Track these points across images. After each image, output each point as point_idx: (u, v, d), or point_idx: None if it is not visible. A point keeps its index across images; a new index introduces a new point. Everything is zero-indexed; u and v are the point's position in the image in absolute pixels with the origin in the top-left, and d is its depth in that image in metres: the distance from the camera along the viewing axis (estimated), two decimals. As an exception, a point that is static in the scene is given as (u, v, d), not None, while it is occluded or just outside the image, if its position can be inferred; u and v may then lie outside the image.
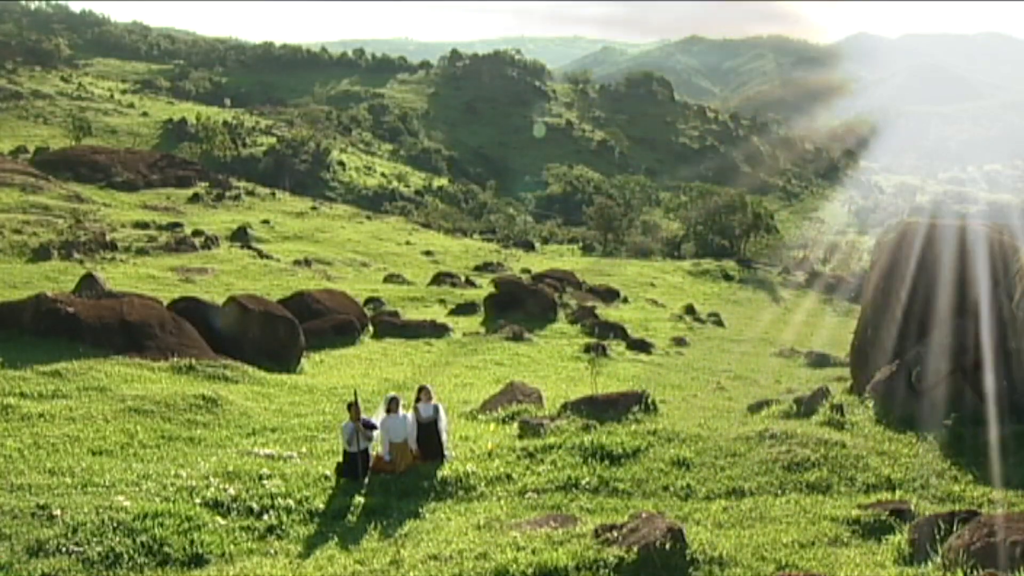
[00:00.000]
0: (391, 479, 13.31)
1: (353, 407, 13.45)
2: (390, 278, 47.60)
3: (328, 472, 13.30)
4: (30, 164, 68.13)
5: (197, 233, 51.64)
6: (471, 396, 20.42)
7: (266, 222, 62.19)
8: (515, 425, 15.72)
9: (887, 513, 11.02)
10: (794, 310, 53.20)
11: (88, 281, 28.78)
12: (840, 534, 10.68)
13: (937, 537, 9.67)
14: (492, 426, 16.30)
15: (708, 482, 12.73)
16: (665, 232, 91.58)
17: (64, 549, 10.31)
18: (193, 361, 20.45)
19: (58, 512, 10.99)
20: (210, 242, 49.41)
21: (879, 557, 10.02)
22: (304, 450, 14.67)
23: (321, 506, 12.39)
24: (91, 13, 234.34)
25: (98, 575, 10.07)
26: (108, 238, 46.02)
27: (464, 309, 37.94)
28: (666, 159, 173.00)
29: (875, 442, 13.95)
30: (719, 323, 43.15)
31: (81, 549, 10.34)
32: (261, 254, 49.02)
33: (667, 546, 9.62)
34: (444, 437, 14.12)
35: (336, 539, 11.40)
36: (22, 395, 16.45)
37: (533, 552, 9.90)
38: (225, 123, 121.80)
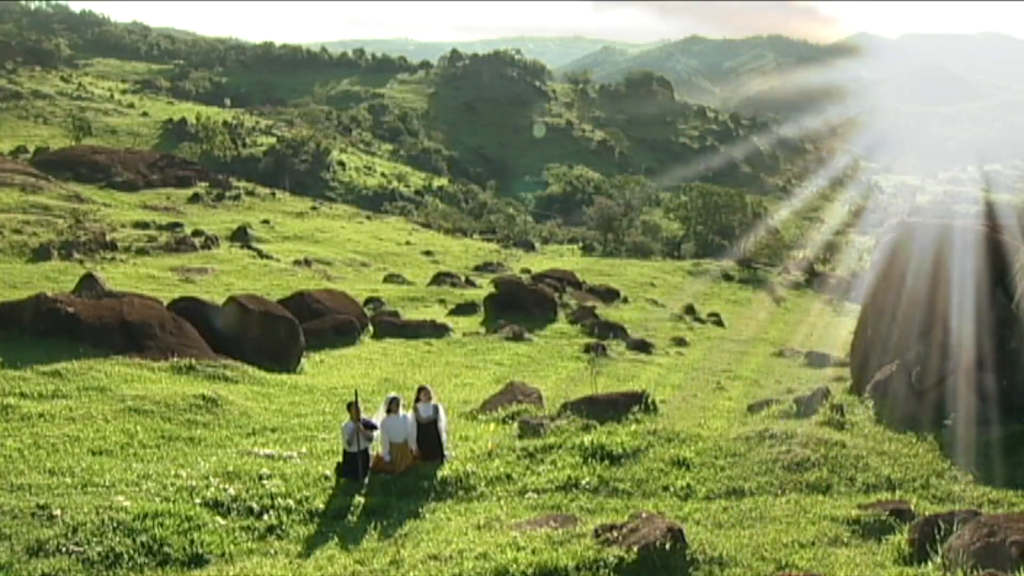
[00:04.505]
0: (391, 479, 13.31)
1: (353, 407, 13.44)
2: (390, 278, 47.59)
3: (328, 472, 13.30)
4: (30, 164, 68.13)
5: (197, 233, 51.63)
6: (471, 396, 20.41)
7: (266, 222, 62.19)
8: (515, 425, 15.71)
9: (887, 513, 11.00)
10: (794, 310, 53.24)
11: (88, 281, 28.77)
12: (840, 534, 10.67)
13: (937, 537, 9.66)
14: (492, 426, 16.29)
15: (708, 482, 12.72)
16: (665, 232, 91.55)
17: (64, 549, 10.30)
18: (193, 361, 20.45)
19: (58, 512, 10.99)
20: (210, 242, 49.41)
21: (879, 557, 10.01)
22: (304, 450, 14.67)
23: (321, 506, 12.38)
24: (91, 13, 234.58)
25: (98, 575, 10.06)
26: (108, 238, 46.02)
27: (464, 309, 37.94)
28: (666, 159, 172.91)
29: (875, 442, 13.94)
30: (719, 323, 43.15)
31: (81, 549, 10.33)
32: (261, 254, 49.00)
33: (667, 546, 9.62)
34: (444, 437, 14.11)
35: (336, 539, 11.40)
36: (22, 395, 16.45)
37: (533, 552, 9.89)
38: (225, 123, 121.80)
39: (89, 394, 17.00)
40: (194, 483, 12.38)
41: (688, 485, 12.66)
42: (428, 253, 60.87)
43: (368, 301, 37.03)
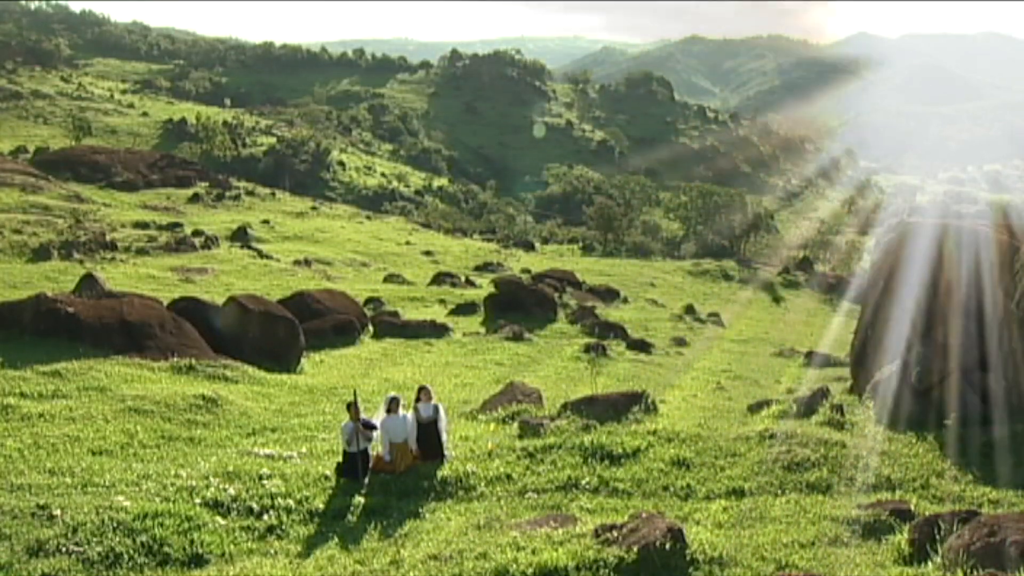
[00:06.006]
0: (391, 479, 13.31)
1: (352, 407, 13.44)
2: (390, 278, 47.57)
3: (328, 472, 13.30)
4: (30, 164, 68.09)
5: (197, 233, 51.61)
6: (471, 396, 20.41)
7: (266, 222, 62.15)
8: (515, 425, 15.72)
9: (887, 513, 11.01)
10: (794, 310, 53.18)
11: (88, 281, 28.75)
12: (840, 534, 10.67)
13: (937, 537, 9.66)
14: (492, 426, 16.29)
15: (708, 482, 12.72)
16: (665, 232, 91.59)
17: (64, 549, 10.30)
18: (193, 361, 20.44)
19: (58, 512, 10.98)
20: (210, 242, 49.38)
21: (879, 557, 10.01)
22: (304, 450, 14.67)
23: (321, 506, 12.38)
24: (91, 13, 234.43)
25: (98, 575, 10.06)
26: (108, 238, 45.99)
27: (464, 309, 37.91)
28: (666, 159, 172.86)
29: (875, 442, 13.94)
30: (719, 323, 43.13)
31: (81, 549, 10.33)
32: (261, 254, 48.98)
33: (667, 546, 9.62)
34: (444, 437, 14.11)
35: (336, 539, 11.40)
36: (22, 395, 16.45)
37: (533, 552, 9.89)
38: (225, 123, 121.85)
39: (89, 394, 17.00)
40: (194, 483, 12.37)
41: (688, 485, 12.66)
42: (428, 253, 60.85)
43: (368, 301, 37.00)
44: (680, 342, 35.42)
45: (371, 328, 31.07)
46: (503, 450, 14.18)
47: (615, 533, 10.07)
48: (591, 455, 13.63)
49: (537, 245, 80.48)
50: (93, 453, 13.84)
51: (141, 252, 45.20)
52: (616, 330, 34.27)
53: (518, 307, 36.32)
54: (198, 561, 10.59)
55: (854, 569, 9.63)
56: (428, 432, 13.88)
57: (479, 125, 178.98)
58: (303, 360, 24.50)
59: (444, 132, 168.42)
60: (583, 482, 12.84)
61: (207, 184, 74.89)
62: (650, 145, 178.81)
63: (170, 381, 18.75)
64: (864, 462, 13.05)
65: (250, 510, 11.89)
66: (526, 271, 53.14)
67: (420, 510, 12.27)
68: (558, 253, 75.93)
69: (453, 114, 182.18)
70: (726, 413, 17.73)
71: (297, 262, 48.84)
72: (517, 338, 31.01)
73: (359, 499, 12.65)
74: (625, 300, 47.16)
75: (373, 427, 13.49)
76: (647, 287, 53.86)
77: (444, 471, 13.40)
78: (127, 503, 11.42)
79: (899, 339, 16.21)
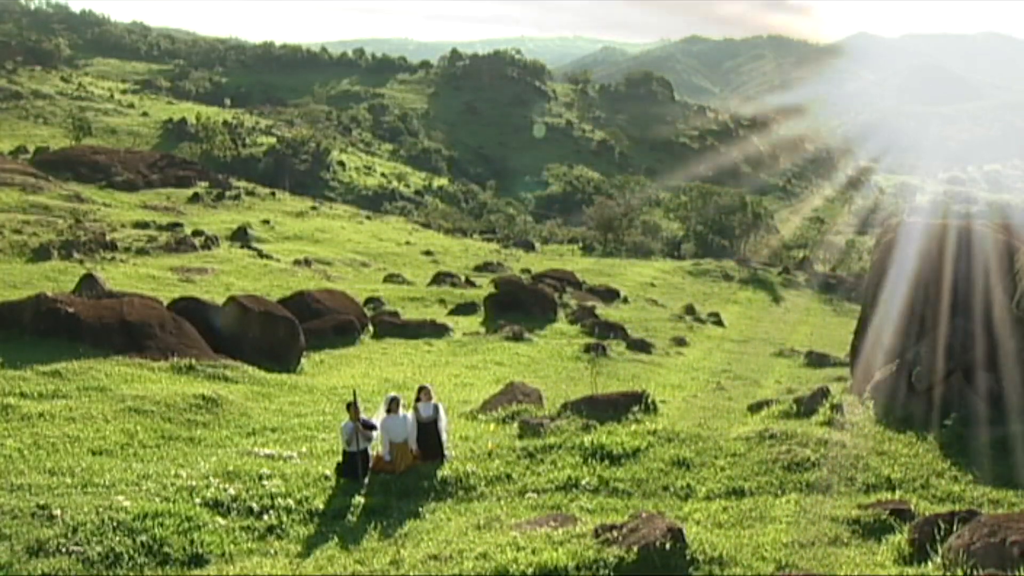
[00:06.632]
0: (391, 479, 13.31)
1: (352, 407, 13.45)
2: (390, 278, 47.57)
3: (328, 472, 13.30)
4: (30, 164, 68.07)
5: (197, 233, 51.60)
6: (471, 396, 20.41)
7: (266, 222, 62.16)
8: (515, 425, 15.72)
9: (887, 513, 11.01)
10: (794, 310, 53.21)
11: (88, 281, 28.76)
12: (840, 534, 10.67)
13: (937, 537, 9.66)
14: (492, 426, 16.29)
15: (708, 482, 12.73)
16: (665, 232, 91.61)
17: (64, 549, 10.30)
18: (193, 361, 20.45)
19: (58, 512, 10.98)
20: (210, 242, 49.38)
21: (879, 557, 10.01)
22: (304, 450, 14.67)
23: (321, 506, 12.38)
24: (91, 13, 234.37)
25: (98, 575, 10.06)
26: (108, 238, 45.97)
27: (464, 309, 37.93)
28: (666, 159, 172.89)
29: (875, 442, 13.94)
30: (719, 323, 43.15)
31: (81, 549, 10.33)
32: (261, 254, 48.99)
33: (667, 546, 9.62)
34: (444, 437, 14.11)
35: (336, 539, 11.40)
36: (22, 395, 16.45)
37: (533, 552, 9.89)
38: (225, 123, 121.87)
39: (89, 394, 17.00)
40: (194, 483, 12.37)
41: (688, 485, 12.66)
42: (428, 253, 60.87)
43: (368, 301, 37.01)
44: (680, 342, 35.43)
45: (371, 328, 31.08)
46: (503, 450, 14.18)
47: (615, 533, 10.07)
48: (591, 455, 13.63)
49: (537, 245, 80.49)
50: (93, 453, 13.84)
51: (141, 252, 45.18)
52: (616, 330, 34.28)
53: (518, 307, 36.33)
54: (198, 561, 10.59)
55: (854, 569, 9.63)
56: (428, 432, 13.88)
57: (479, 125, 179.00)
58: (303, 360, 24.51)
59: (444, 132, 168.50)
60: (583, 482, 12.84)
61: (207, 184, 74.89)
62: (650, 145, 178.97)
63: (170, 381, 18.75)
64: (864, 462, 13.05)
65: (250, 510, 11.89)
66: (526, 271, 53.16)
67: (420, 510, 12.27)
68: (558, 253, 75.95)
69: (453, 114, 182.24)
70: (726, 413, 17.73)
71: (297, 262, 48.84)
72: (517, 338, 31.02)
73: (359, 499, 12.65)
74: (625, 300, 47.16)
75: (373, 427, 13.49)
76: (647, 287, 53.88)
77: (444, 471, 13.40)
78: (127, 503, 11.42)
79: (898, 339, 16.20)
